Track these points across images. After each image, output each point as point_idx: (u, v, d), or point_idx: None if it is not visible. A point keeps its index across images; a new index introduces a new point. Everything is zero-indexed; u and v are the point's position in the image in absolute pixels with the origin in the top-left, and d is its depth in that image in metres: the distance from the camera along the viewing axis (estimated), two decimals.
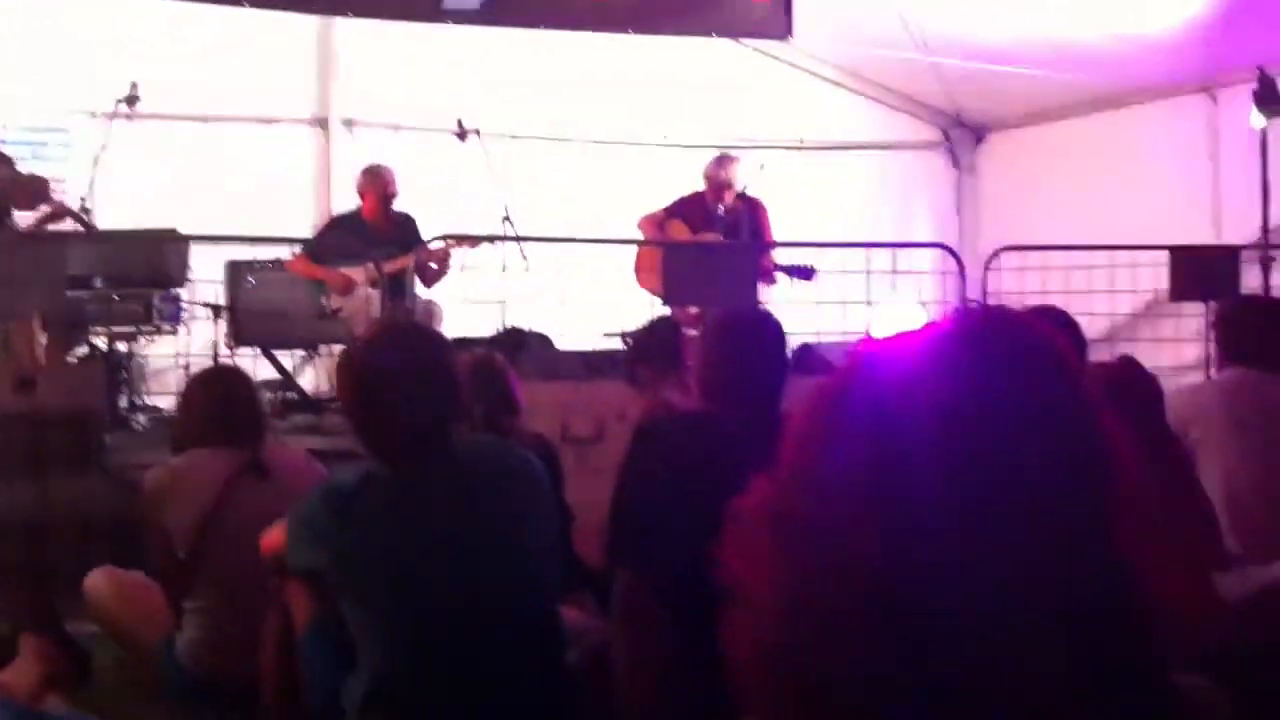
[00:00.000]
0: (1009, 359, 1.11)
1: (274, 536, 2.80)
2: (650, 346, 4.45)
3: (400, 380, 2.59)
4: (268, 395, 6.34)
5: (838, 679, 1.04)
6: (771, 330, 3.19)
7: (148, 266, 6.53)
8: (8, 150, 6.73)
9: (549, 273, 7.86)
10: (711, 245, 6.83)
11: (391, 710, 2.44)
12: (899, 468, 1.04)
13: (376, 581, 2.48)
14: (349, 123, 9.16)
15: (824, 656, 1.05)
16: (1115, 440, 1.10)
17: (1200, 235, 7.71)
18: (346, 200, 7.64)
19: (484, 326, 6.97)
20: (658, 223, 7.31)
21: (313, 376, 7.90)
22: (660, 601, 2.97)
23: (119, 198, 7.22)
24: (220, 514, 3.57)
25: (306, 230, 7.78)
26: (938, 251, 7.93)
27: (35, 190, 6.13)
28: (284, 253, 7.30)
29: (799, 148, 10.03)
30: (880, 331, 1.28)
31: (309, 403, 7.28)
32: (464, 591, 2.48)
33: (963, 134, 10.91)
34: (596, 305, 8.09)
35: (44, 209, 6.41)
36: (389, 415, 2.59)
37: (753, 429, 3.03)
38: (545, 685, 2.58)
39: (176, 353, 6.85)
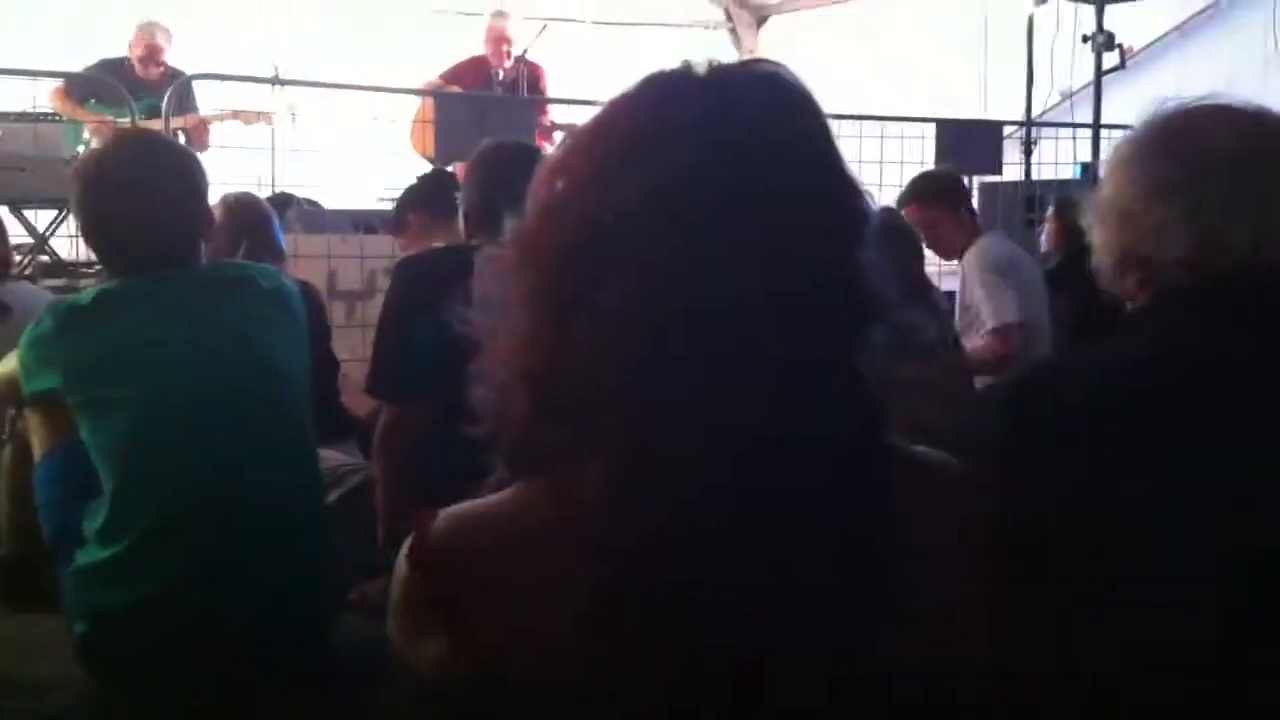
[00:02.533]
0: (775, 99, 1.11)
1: (6, 365, 2.65)
2: (421, 195, 4.32)
3: (137, 185, 2.45)
4: (16, 259, 5.97)
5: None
6: (535, 160, 3.14)
7: None
8: None
9: (320, 138, 7.60)
10: (486, 98, 6.73)
11: (136, 536, 2.34)
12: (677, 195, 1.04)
13: (115, 400, 2.35)
14: None
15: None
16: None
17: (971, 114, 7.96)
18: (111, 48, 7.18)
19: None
20: (436, 88, 7.17)
21: (67, 240, 7.47)
22: (421, 434, 2.93)
23: None
24: None
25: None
26: None
27: None
28: (32, 91, 6.83)
29: (577, 22, 9.91)
30: None
31: (64, 266, 6.90)
32: (210, 409, 2.38)
33: (744, 14, 10.98)
34: (369, 170, 7.87)
35: None
36: (123, 220, 2.46)
37: None
38: (300, 511, 2.51)
39: None
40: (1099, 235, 1.53)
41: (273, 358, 2.51)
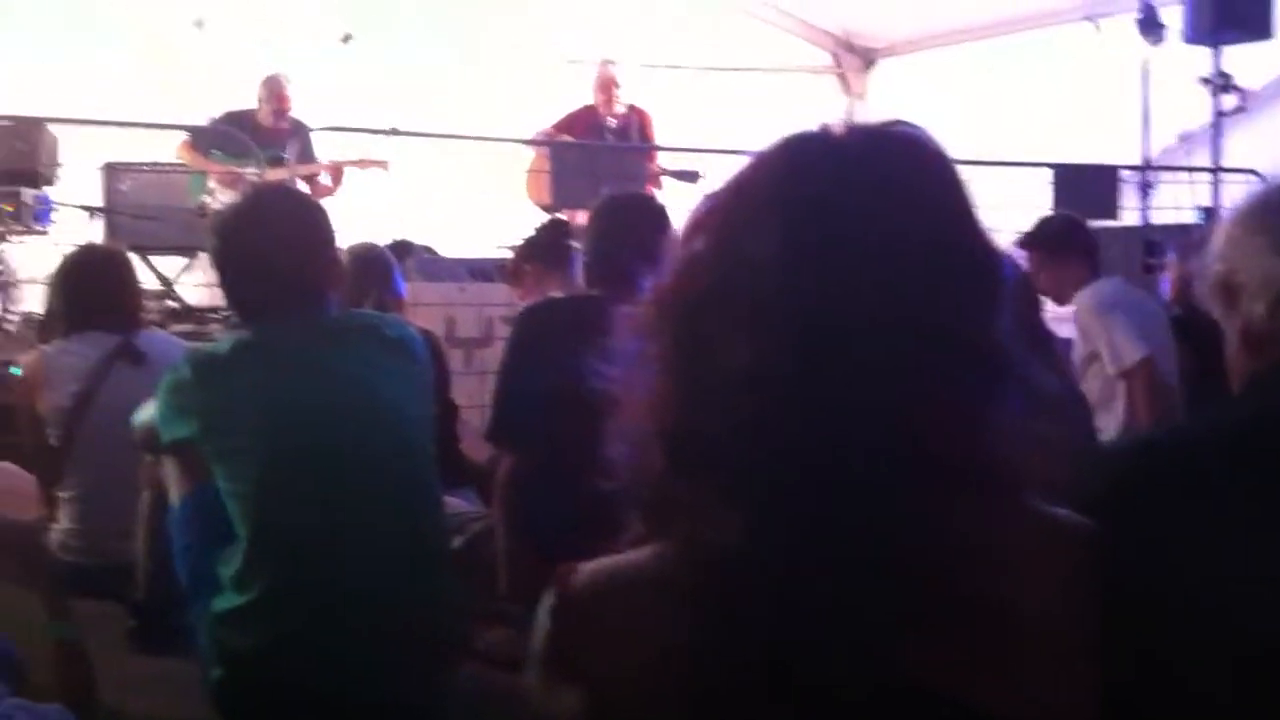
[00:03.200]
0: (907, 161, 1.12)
1: (146, 413, 2.74)
2: (538, 245, 4.40)
3: (271, 237, 2.53)
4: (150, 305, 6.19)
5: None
6: (657, 212, 3.18)
7: (16, 161, 6.28)
8: None
9: (438, 187, 7.76)
10: (600, 147, 6.83)
11: (268, 581, 2.40)
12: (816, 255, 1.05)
13: (249, 448, 2.42)
14: (230, 23, 8.88)
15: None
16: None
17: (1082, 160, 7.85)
18: (227, 101, 7.44)
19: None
20: (548, 137, 7.32)
21: (193, 285, 7.70)
22: (542, 483, 2.97)
23: None
24: (93, 399, 3.48)
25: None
26: None
27: None
28: (163, 146, 7.09)
29: (683, 68, 9.96)
30: None
31: (190, 312, 7.12)
32: (339, 458, 2.43)
33: (852, 59, 10.95)
34: (485, 220, 8.03)
35: None
36: (259, 272, 2.54)
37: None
38: (426, 558, 2.56)
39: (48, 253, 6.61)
40: (1220, 298, 1.50)
41: (399, 406, 2.57)
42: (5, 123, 6.69)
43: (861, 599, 1.03)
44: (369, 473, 2.45)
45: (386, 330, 2.66)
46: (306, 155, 7.01)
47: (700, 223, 1.15)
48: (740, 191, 1.14)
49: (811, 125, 1.16)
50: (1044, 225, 4.82)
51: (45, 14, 7.79)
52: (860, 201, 1.08)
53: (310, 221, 2.62)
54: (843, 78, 10.97)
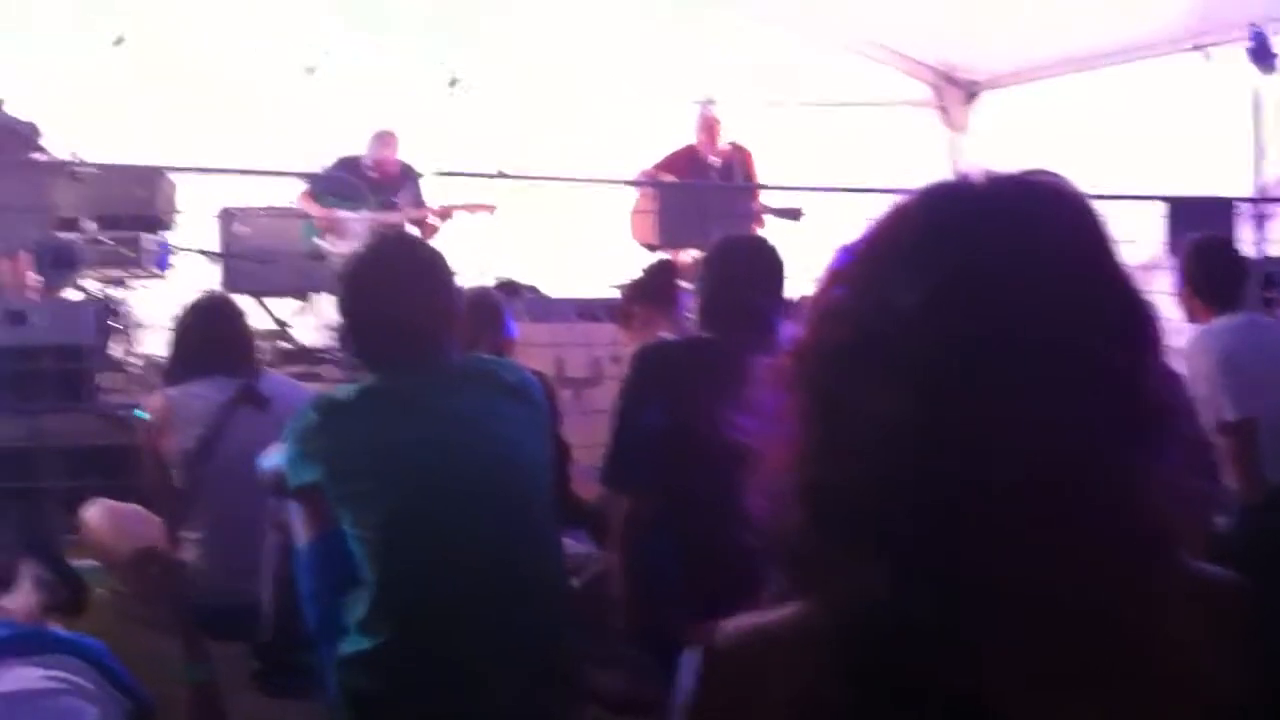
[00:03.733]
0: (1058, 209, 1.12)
1: (271, 457, 2.80)
2: (646, 286, 4.43)
3: (394, 286, 2.59)
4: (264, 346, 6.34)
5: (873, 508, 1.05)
6: (769, 255, 3.19)
7: (136, 208, 6.48)
8: None
9: (542, 227, 7.86)
10: (706, 187, 6.85)
11: (394, 625, 2.43)
12: (968, 303, 1.04)
13: (374, 490, 2.46)
14: (341, 70, 9.07)
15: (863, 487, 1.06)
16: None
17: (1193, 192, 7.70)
18: (340, 146, 7.60)
19: (476, 282, 6.96)
20: (650, 177, 7.36)
21: (306, 326, 7.87)
22: (660, 523, 2.98)
23: (107, 145, 7.14)
24: (217, 442, 3.56)
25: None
26: None
27: (25, 136, 6.05)
28: (278, 192, 7.27)
29: (783, 104, 9.96)
30: None
31: (304, 353, 7.27)
32: (463, 502, 2.47)
33: (954, 91, 10.85)
34: (589, 260, 8.11)
35: (35, 157, 6.32)
36: (383, 320, 2.59)
37: (751, 353, 3.01)
38: (548, 601, 2.58)
39: (167, 298, 6.81)
40: None
41: (518, 451, 2.60)
42: (125, 170, 6.90)
43: (1012, 654, 1.02)
44: (491, 517, 2.48)
45: (505, 375, 2.70)
46: (417, 200, 7.15)
47: (839, 273, 1.15)
48: (880, 242, 1.13)
49: (950, 174, 1.15)
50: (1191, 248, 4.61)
51: (162, 65, 8.02)
52: (1006, 252, 1.07)
53: (433, 270, 2.67)
54: (944, 111, 10.87)
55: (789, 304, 3.24)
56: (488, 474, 2.52)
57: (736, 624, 1.17)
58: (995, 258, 1.07)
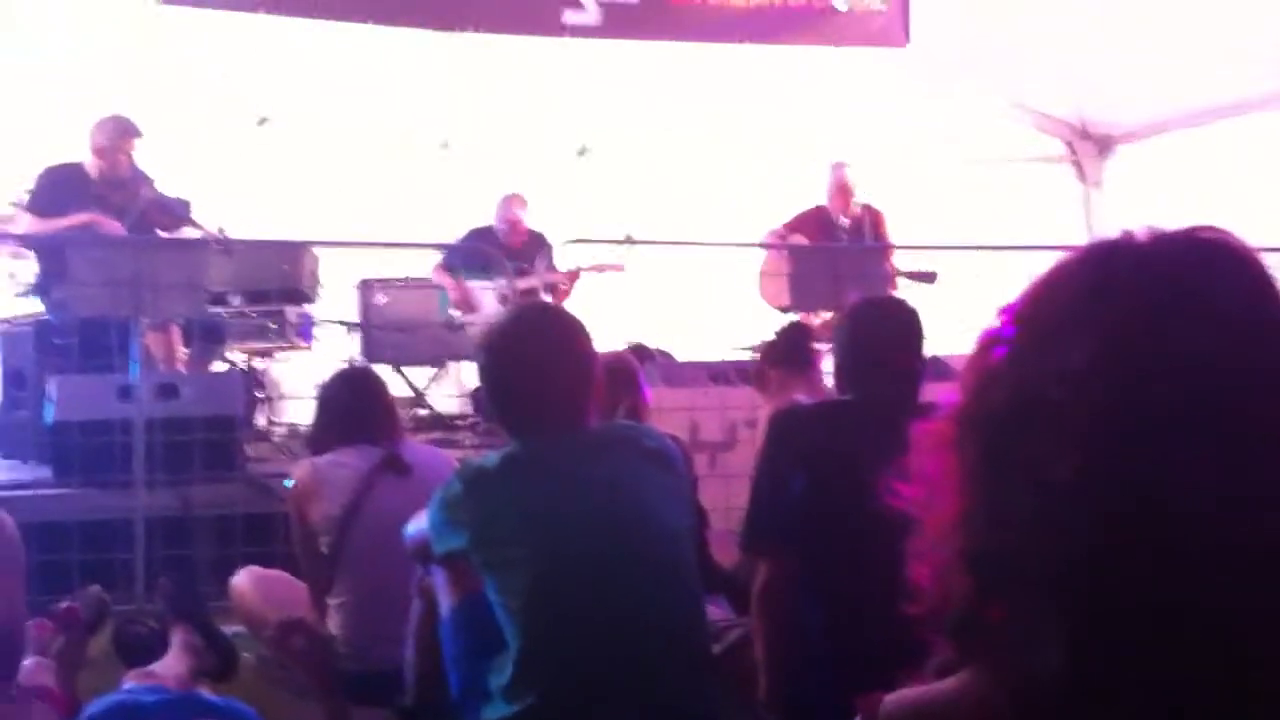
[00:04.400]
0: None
1: (417, 524, 2.84)
2: (781, 349, 4.41)
3: (537, 354, 2.62)
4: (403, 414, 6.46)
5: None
6: (908, 316, 3.15)
7: (280, 281, 6.69)
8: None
9: (670, 290, 7.89)
10: (839, 249, 6.82)
11: (539, 691, 2.44)
12: (1143, 367, 1.02)
13: (519, 558, 2.48)
14: (472, 141, 9.27)
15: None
16: None
17: None
18: (472, 218, 7.76)
19: (606, 345, 7.01)
20: (780, 237, 7.36)
21: (442, 394, 8.01)
22: (802, 589, 2.95)
23: (252, 221, 7.39)
24: (362, 509, 3.63)
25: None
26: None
27: (178, 213, 6.30)
28: (414, 262, 7.44)
29: (916, 163, 9.89)
30: None
31: (440, 420, 7.40)
32: (607, 569, 2.48)
33: (1088, 146, 10.68)
34: (717, 322, 8.13)
35: (186, 232, 6.55)
36: (526, 392, 2.62)
37: (893, 417, 2.98)
38: (692, 668, 2.56)
39: (311, 367, 7.00)
40: None
41: (661, 517, 2.60)
42: (270, 245, 7.13)
43: None
44: (636, 584, 2.48)
45: (646, 440, 2.71)
46: (549, 267, 7.25)
47: (999, 334, 1.13)
48: (1044, 303, 1.11)
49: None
50: None
51: (302, 143, 8.30)
52: (1176, 310, 1.04)
53: (574, 337, 2.70)
54: (1078, 165, 10.70)
55: (929, 366, 3.20)
56: (631, 541, 2.53)
57: (901, 697, 1.15)
58: (1164, 316, 1.04)
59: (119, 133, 6.21)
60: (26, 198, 6.36)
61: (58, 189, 6.17)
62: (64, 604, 3.12)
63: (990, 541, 1.07)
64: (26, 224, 6.22)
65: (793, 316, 6.52)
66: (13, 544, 2.48)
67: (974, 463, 1.09)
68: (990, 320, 1.15)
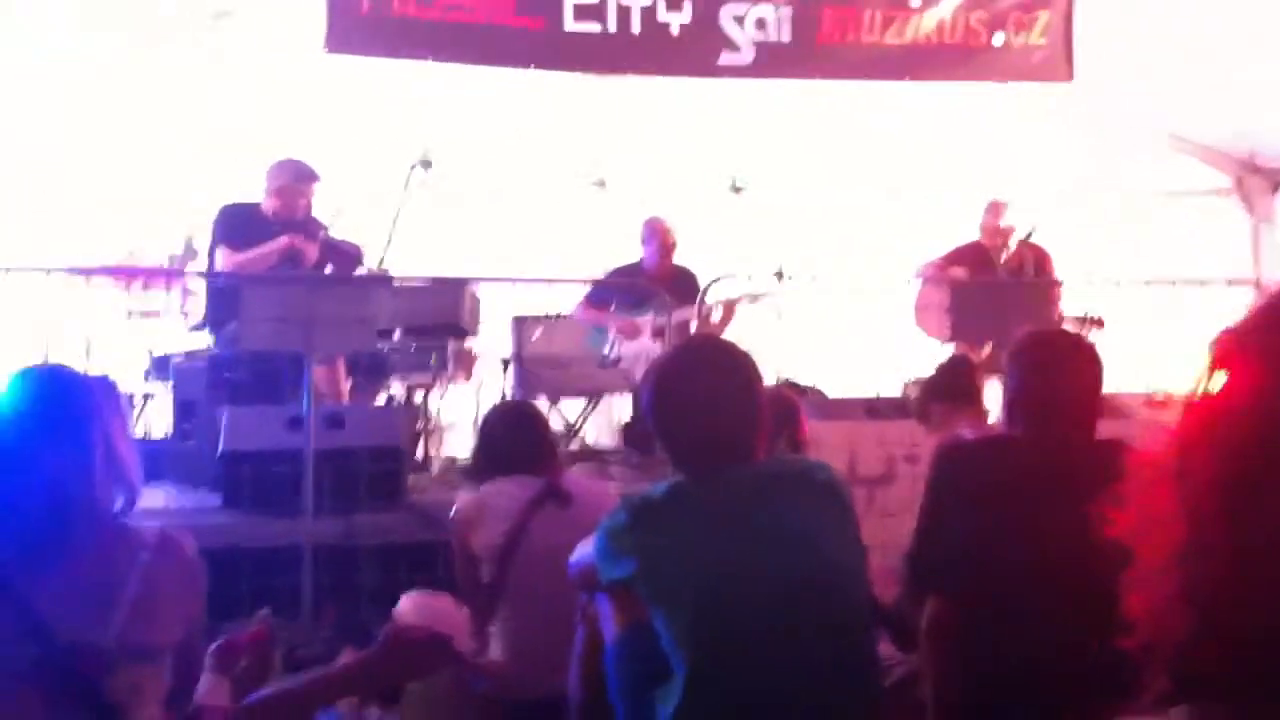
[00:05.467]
0: None
1: (582, 553, 2.85)
2: (944, 382, 4.35)
3: (707, 389, 2.60)
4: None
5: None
6: (1084, 350, 3.07)
7: (442, 317, 6.82)
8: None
9: (822, 327, 7.85)
10: (1003, 284, 6.69)
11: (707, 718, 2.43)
12: None
13: (686, 590, 2.47)
14: (625, 180, 9.37)
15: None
16: None
17: None
18: (623, 256, 7.83)
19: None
20: (938, 269, 7.24)
21: (594, 428, 8.07)
22: (970, 626, 2.88)
23: (413, 262, 7.57)
24: (523, 538, 3.67)
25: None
26: (1241, 294, 7.48)
27: (353, 257, 6.47)
28: (568, 298, 7.53)
29: (1080, 197, 9.68)
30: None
31: (592, 454, 7.45)
32: (776, 601, 2.45)
33: (1257, 180, 10.33)
34: (868, 358, 8.06)
35: (359, 274, 6.72)
36: (696, 424, 2.60)
37: (1065, 454, 2.91)
38: (862, 703, 2.52)
39: (469, 400, 7.13)
40: None
41: (832, 552, 2.57)
42: (433, 283, 7.29)
43: None
44: (806, 620, 2.45)
45: (816, 475, 2.68)
46: (701, 301, 7.23)
47: (1224, 360, 1.08)
48: (1269, 327, 1.07)
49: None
50: None
51: (461, 183, 8.48)
52: None
53: (745, 371, 2.68)
54: (1246, 199, 10.36)
55: (1103, 401, 3.11)
56: (801, 576, 2.50)
57: None
58: None
59: (298, 176, 6.40)
60: (207, 239, 6.57)
61: (241, 225, 6.35)
62: (252, 627, 3.19)
63: (1216, 584, 1.02)
64: (224, 258, 6.32)
65: (951, 349, 6.43)
66: (194, 566, 2.56)
67: (1200, 499, 1.05)
68: (1212, 346, 1.10)
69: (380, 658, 2.43)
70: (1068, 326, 6.70)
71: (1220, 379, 1.07)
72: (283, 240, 6.16)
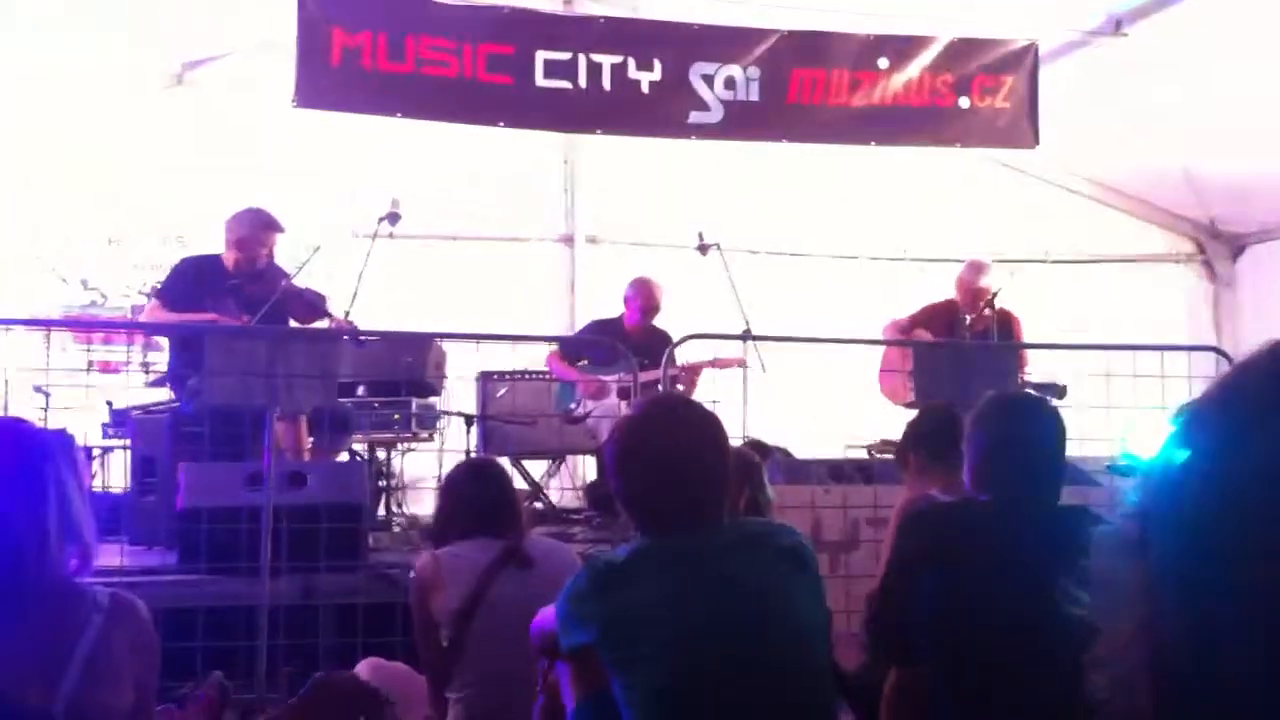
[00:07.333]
0: None
1: (544, 618, 2.80)
2: (924, 431, 4.30)
3: (672, 450, 2.57)
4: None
5: None
6: (1048, 414, 3.06)
7: (406, 373, 6.76)
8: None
9: (789, 386, 7.82)
10: (966, 346, 6.69)
11: None
12: None
13: (649, 657, 2.42)
14: (593, 239, 9.39)
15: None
16: None
17: None
18: (591, 315, 7.82)
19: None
20: (902, 329, 7.25)
21: (558, 487, 8.01)
22: (934, 694, 2.85)
23: (378, 314, 7.52)
24: (482, 601, 3.61)
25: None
26: (1202, 360, 7.51)
27: (314, 304, 6.41)
28: (535, 356, 7.49)
29: (1043, 261, 9.78)
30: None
31: (556, 513, 7.40)
32: (738, 664, 2.41)
33: (1218, 246, 10.47)
34: (837, 419, 8.05)
35: (322, 324, 6.66)
36: (661, 485, 2.56)
37: (1030, 518, 2.90)
38: None
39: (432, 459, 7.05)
40: None
41: (796, 617, 2.53)
42: (398, 338, 7.23)
43: None
44: (768, 686, 2.41)
45: (781, 539, 2.65)
46: (670, 361, 7.20)
47: (1186, 436, 1.07)
48: (1236, 400, 1.06)
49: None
50: None
51: (428, 237, 8.48)
52: None
53: (711, 432, 2.65)
54: (1208, 265, 10.49)
55: (1068, 467, 3.10)
56: (763, 641, 2.46)
57: None
58: None
59: (260, 225, 6.36)
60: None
61: (189, 280, 6.32)
62: (195, 690, 3.13)
63: (1182, 660, 1.01)
64: (150, 311, 6.36)
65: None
66: (147, 631, 2.50)
67: (1168, 570, 1.03)
68: (1174, 419, 1.10)
69: (309, 706, 2.37)
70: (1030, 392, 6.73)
71: (1182, 453, 1.06)
72: (208, 317, 6.13)
